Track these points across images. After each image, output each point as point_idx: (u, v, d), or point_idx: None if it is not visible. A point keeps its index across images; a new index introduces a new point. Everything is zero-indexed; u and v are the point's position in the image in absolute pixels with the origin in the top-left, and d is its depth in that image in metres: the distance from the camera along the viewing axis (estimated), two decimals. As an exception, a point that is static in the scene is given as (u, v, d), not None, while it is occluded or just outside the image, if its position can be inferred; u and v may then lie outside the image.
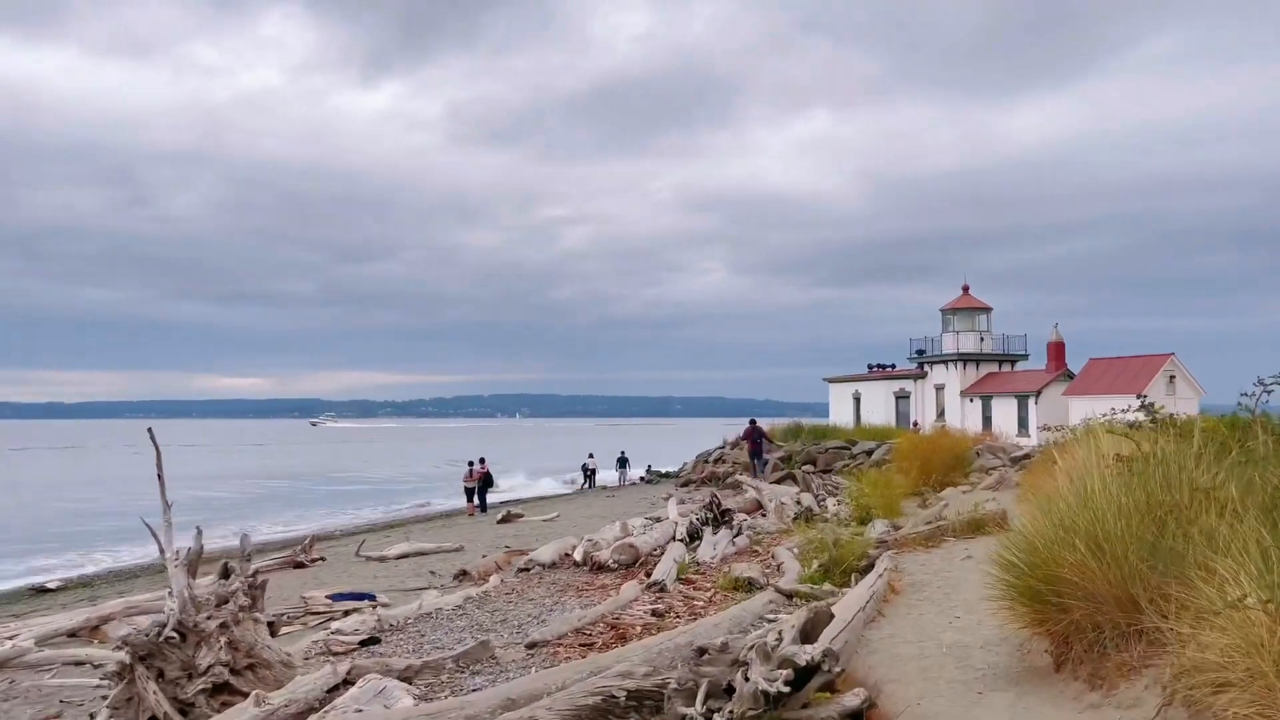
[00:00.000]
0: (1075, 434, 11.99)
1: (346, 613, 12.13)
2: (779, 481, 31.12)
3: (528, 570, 14.53)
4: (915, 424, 44.21)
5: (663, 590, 11.64)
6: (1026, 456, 24.76)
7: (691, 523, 16.18)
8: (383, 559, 17.88)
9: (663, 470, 47.85)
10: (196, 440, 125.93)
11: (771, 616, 9.84)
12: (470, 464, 31.78)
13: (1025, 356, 47.70)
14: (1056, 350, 44.16)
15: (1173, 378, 38.56)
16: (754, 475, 31.66)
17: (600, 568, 14.21)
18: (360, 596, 12.93)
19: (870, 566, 11.86)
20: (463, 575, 14.93)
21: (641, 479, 46.05)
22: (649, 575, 12.68)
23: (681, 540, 15.48)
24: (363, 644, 10.01)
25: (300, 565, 17.29)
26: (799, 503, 22.75)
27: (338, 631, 10.82)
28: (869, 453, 32.87)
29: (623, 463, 46.41)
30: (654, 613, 10.34)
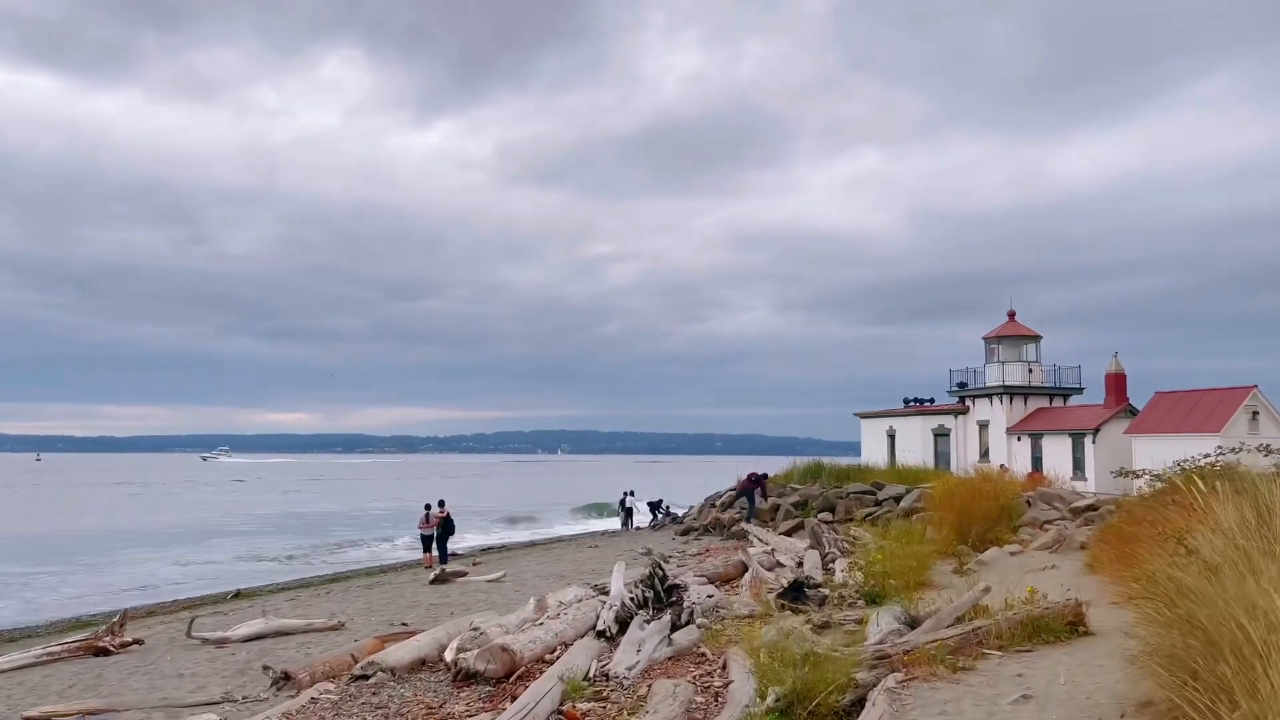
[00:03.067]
0: (1215, 485, 7.14)
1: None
2: (790, 532, 26.35)
3: (367, 679, 9.93)
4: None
5: (507, 744, 7.00)
6: (1092, 508, 19.72)
7: (624, 604, 11.48)
8: (222, 643, 13.35)
9: (680, 513, 42.71)
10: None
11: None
12: (428, 507, 27.26)
13: (1080, 390, 42.34)
14: (1117, 382, 38.77)
15: (1256, 414, 33.05)
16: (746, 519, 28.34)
17: (468, 677, 9.60)
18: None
19: (860, 703, 7.18)
20: (284, 681, 10.37)
21: (651, 524, 41.24)
22: (515, 699, 8.08)
23: (604, 631, 10.81)
24: None
25: (104, 652, 12.79)
26: (799, 564, 17.97)
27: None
28: (897, 499, 27.88)
29: (623, 504, 41.52)
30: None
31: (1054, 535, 18.03)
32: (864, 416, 47.65)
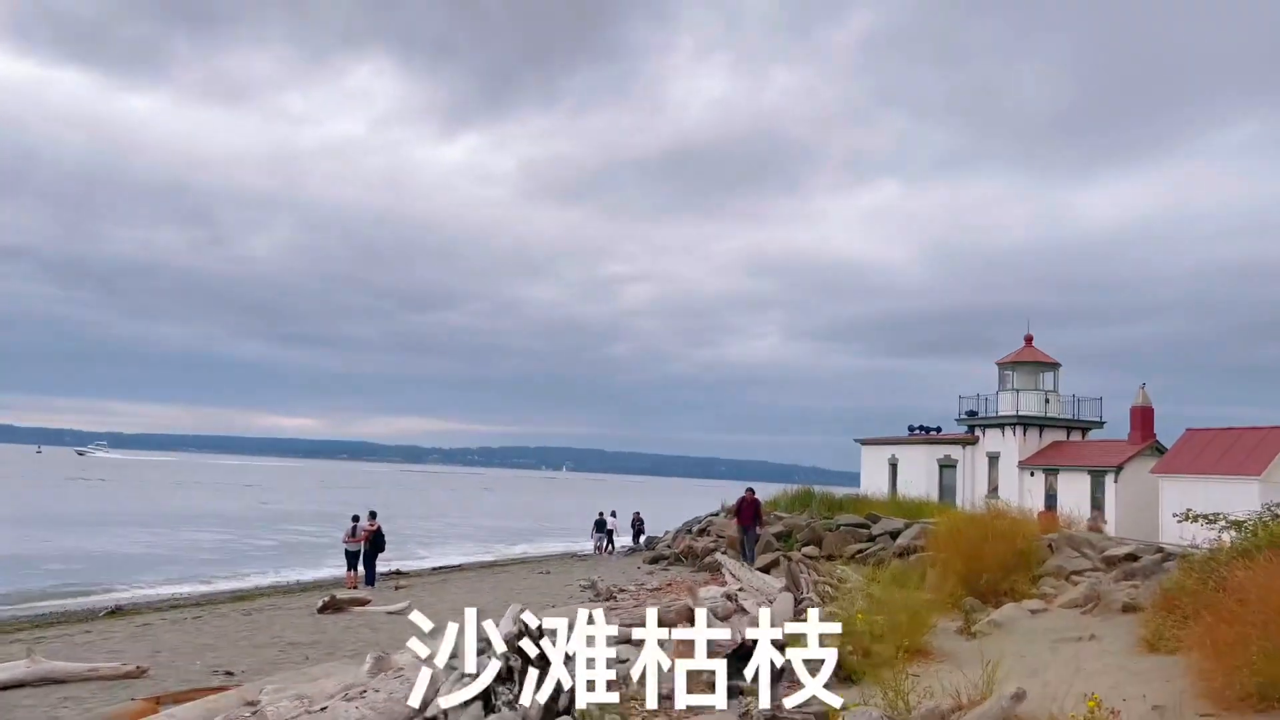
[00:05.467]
0: None
1: None
2: (767, 568, 22.73)
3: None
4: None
5: None
6: (1131, 558, 16.10)
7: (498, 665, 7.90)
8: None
9: (656, 537, 39.05)
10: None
11: None
12: (355, 519, 23.74)
13: (1100, 424, 38.76)
14: (1143, 416, 35.11)
15: (1302, 457, 29.40)
16: (741, 555, 24.29)
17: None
18: None
19: None
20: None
21: (627, 548, 37.74)
22: None
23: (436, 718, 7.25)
24: None
25: None
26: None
27: None
28: (894, 535, 24.24)
29: (600, 525, 38.02)
30: None
31: (1085, 591, 14.43)
32: (864, 443, 44.01)
